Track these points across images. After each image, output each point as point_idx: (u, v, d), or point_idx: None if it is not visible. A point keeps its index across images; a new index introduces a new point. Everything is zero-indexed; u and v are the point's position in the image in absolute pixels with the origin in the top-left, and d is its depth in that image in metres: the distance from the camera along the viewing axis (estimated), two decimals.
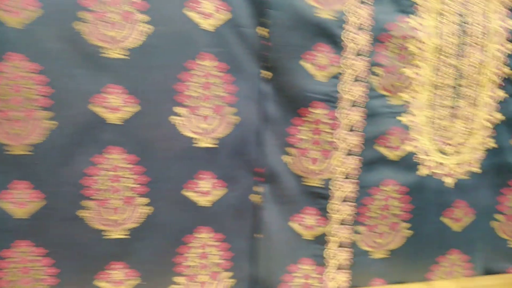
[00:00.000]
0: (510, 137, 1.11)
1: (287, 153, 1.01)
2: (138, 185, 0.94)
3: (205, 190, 0.98)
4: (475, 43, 1.04)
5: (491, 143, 1.10)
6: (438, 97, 1.05)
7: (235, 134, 0.99)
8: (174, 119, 0.94)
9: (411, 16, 1.01)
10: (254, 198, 1.04)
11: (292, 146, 1.01)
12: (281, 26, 0.96)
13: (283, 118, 1.00)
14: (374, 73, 1.01)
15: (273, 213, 1.03)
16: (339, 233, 1.05)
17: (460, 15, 1.03)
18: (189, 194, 0.97)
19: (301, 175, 1.02)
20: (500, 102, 1.09)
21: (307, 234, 1.04)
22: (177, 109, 0.94)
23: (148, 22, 0.90)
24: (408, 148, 1.05)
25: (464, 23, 1.04)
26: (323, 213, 1.04)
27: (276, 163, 1.02)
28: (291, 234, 1.04)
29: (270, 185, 1.02)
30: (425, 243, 1.10)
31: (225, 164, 1.00)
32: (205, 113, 0.96)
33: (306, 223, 1.04)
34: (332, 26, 0.97)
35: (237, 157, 1.01)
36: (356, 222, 1.06)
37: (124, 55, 0.90)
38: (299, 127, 1.00)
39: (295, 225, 1.04)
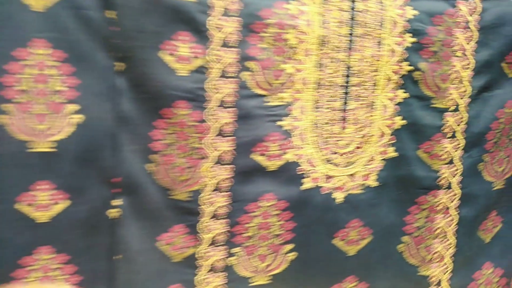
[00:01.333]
0: (416, 146, 0.95)
1: (151, 161, 0.85)
2: None
3: (44, 204, 0.82)
4: (369, 35, 0.88)
5: (391, 152, 0.94)
6: (325, 98, 0.90)
7: (79, 136, 0.84)
8: (2, 118, 0.78)
9: (291, 1, 0.85)
10: (111, 213, 0.87)
11: (155, 152, 0.85)
12: (131, 9, 0.81)
13: (144, 120, 0.84)
14: (246, 68, 0.85)
15: (135, 230, 0.88)
16: (211, 255, 0.89)
17: (350, 0, 0.87)
18: (24, 209, 0.81)
19: (167, 187, 0.86)
20: (401, 104, 0.93)
21: (176, 256, 0.88)
22: (6, 107, 0.78)
23: None
24: (290, 157, 0.90)
25: (355, 10, 0.88)
26: (193, 231, 0.89)
27: (137, 172, 0.86)
28: (157, 256, 0.89)
29: (130, 198, 0.87)
30: (315, 268, 0.95)
31: (67, 172, 0.84)
32: (40, 111, 0.80)
33: (175, 243, 0.88)
34: (193, 10, 0.82)
35: (84, 164, 0.86)
36: (231, 243, 0.90)
37: None
38: (162, 131, 0.84)
39: (162, 246, 0.88)
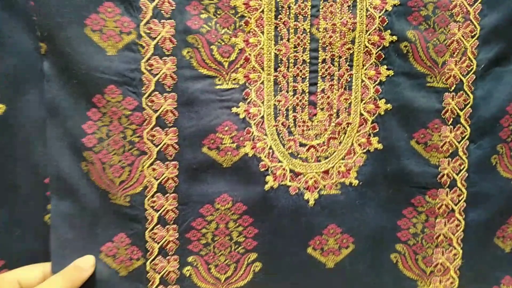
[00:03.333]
0: (408, 135, 0.77)
1: (85, 159, 0.71)
2: None
3: None
4: None
5: (375, 143, 0.76)
6: (287, 78, 0.73)
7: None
8: None
9: None
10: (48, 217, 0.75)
11: (89, 149, 0.71)
12: None
13: (75, 110, 0.71)
14: (188, 44, 0.70)
15: (71, 240, 0.74)
16: (162, 266, 0.75)
17: None
18: None
19: (106, 189, 0.72)
20: (385, 83, 0.75)
21: (122, 269, 0.75)
22: None
23: None
24: (248, 150, 0.74)
25: None
26: (138, 240, 0.75)
27: (70, 173, 0.73)
28: (102, 269, 0.75)
29: (63, 202, 0.73)
30: (287, 281, 0.79)
31: None
32: None
33: (118, 255, 0.75)
34: None
35: (10, 162, 0.74)
36: (186, 252, 0.76)
37: None
38: (96, 123, 0.71)
39: (105, 258, 0.74)
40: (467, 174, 0.79)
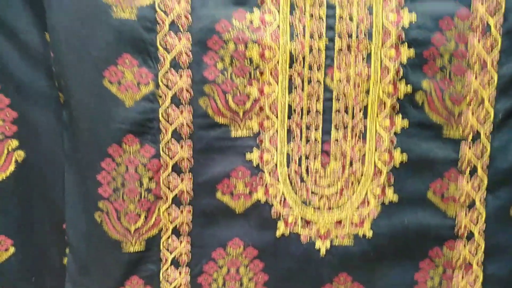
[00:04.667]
0: (425, 186, 0.75)
1: (100, 209, 0.74)
2: None
3: None
4: (354, 48, 0.71)
5: (390, 194, 0.75)
6: (302, 127, 0.73)
7: (20, 175, 0.74)
8: None
9: (255, 10, 0.70)
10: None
11: (104, 198, 0.73)
12: (66, 31, 0.70)
13: (90, 159, 0.73)
14: (204, 93, 0.72)
15: (86, 285, 0.77)
16: None
17: (329, 6, 0.71)
18: None
19: (119, 239, 0.74)
20: (400, 134, 0.74)
21: None
22: None
23: None
24: (260, 196, 0.75)
25: (335, 18, 0.71)
26: (153, 283, 0.77)
27: (84, 220, 0.75)
28: None
29: (78, 249, 0.77)
30: None
31: (10, 216, 0.76)
32: None
33: None
34: (137, 27, 0.69)
35: (29, 207, 0.76)
36: None
37: None
38: (111, 173, 0.73)
39: None
40: (485, 225, 0.77)
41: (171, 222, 0.75)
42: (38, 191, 0.76)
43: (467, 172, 0.75)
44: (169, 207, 0.75)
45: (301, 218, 0.75)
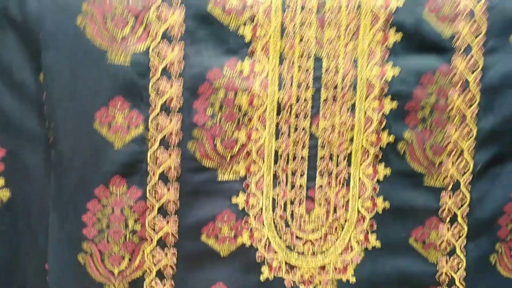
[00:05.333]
0: (406, 233, 0.77)
1: (83, 251, 0.74)
2: None
3: None
4: (339, 99, 0.74)
5: (372, 241, 0.77)
6: (287, 173, 0.75)
7: (4, 216, 0.74)
8: None
9: (245, 59, 0.73)
10: None
11: (89, 239, 0.73)
12: (61, 72, 0.72)
13: (76, 200, 0.73)
14: (192, 138, 0.73)
15: None
16: None
17: (317, 59, 0.74)
18: None
19: (101, 281, 0.74)
20: (383, 182, 0.76)
21: None
22: None
23: None
24: (245, 240, 0.75)
25: (321, 70, 0.74)
26: None
27: (67, 263, 0.75)
28: None
29: None
30: None
31: None
32: None
33: None
34: (131, 73, 0.71)
35: (10, 250, 0.76)
36: None
37: None
38: (96, 214, 0.73)
39: None
40: (465, 273, 0.78)
41: (155, 265, 0.75)
42: (22, 230, 0.76)
43: (448, 220, 0.76)
44: (153, 249, 0.75)
45: (286, 262, 0.76)
